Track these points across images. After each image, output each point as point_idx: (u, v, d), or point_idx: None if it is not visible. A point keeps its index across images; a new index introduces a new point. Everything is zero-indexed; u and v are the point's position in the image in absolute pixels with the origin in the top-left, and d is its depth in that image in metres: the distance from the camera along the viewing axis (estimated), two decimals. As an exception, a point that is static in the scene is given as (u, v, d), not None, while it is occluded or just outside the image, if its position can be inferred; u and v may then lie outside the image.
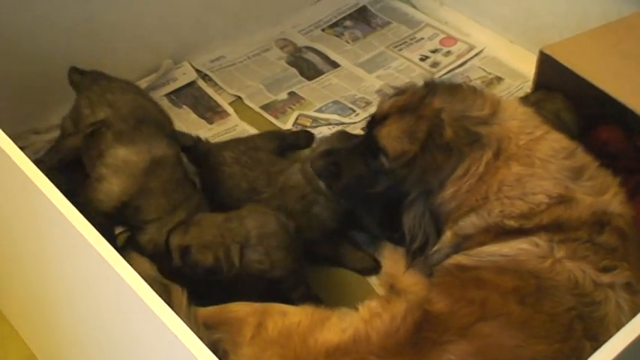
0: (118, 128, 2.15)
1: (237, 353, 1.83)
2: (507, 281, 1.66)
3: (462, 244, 1.83)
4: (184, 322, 1.80)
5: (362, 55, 3.02)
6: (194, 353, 1.28)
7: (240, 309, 1.91)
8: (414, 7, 3.23)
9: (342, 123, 2.71)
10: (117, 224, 2.20)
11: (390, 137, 1.93)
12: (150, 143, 2.14)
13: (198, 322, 1.86)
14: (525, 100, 2.57)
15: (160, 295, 1.38)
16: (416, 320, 1.67)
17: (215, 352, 1.84)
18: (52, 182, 1.52)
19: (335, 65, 2.98)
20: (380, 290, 2.19)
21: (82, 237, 1.43)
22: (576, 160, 1.83)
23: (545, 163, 1.81)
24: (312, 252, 2.21)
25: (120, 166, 2.11)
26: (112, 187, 2.10)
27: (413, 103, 1.94)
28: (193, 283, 1.92)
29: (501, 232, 1.78)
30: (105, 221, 2.11)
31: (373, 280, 2.23)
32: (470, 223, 1.82)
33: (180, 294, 1.87)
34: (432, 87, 1.97)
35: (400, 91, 2.03)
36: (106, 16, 2.66)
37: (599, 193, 1.79)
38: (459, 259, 1.82)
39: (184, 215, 2.10)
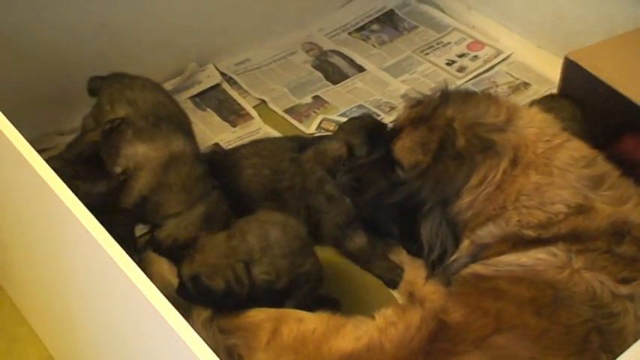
0: (138, 125, 2.16)
1: (252, 358, 1.84)
2: (524, 292, 1.64)
3: (480, 253, 1.81)
4: (200, 329, 1.84)
5: (388, 59, 3.01)
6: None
7: (257, 315, 1.91)
8: (442, 11, 3.21)
9: (366, 127, 2.70)
10: (137, 221, 2.20)
11: (404, 149, 1.95)
12: (168, 139, 2.15)
13: (215, 330, 1.87)
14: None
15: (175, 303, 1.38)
16: (431, 330, 1.65)
17: (230, 356, 1.87)
18: (68, 180, 1.53)
19: (360, 69, 2.97)
20: (399, 297, 2.17)
21: (94, 240, 1.43)
22: (596, 168, 1.81)
23: (563, 172, 1.78)
24: (342, 246, 2.24)
25: (140, 162, 2.13)
26: (132, 182, 2.12)
27: (426, 114, 1.94)
28: (215, 305, 1.95)
29: (519, 242, 1.75)
30: (126, 218, 2.14)
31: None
32: (488, 232, 1.80)
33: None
34: (445, 96, 1.96)
35: (416, 103, 2.02)
36: (130, 19, 2.66)
37: (620, 202, 1.76)
38: (476, 268, 1.80)
39: (203, 210, 2.10)
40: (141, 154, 2.13)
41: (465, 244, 1.84)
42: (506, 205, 1.79)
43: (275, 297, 1.96)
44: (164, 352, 1.42)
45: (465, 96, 1.95)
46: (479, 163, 1.80)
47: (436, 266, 1.90)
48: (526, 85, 2.85)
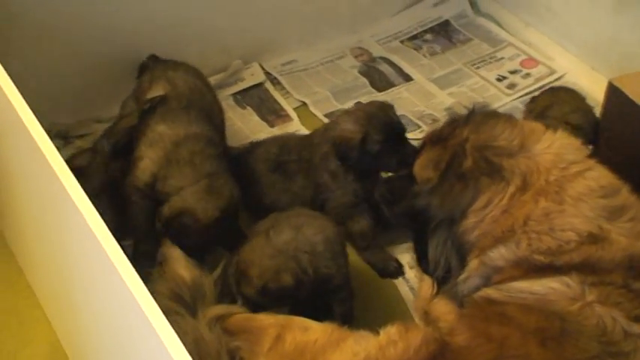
0: (169, 106, 2.17)
1: (254, 363, 1.81)
2: (531, 321, 1.59)
3: (492, 276, 1.77)
4: (204, 329, 1.83)
5: (437, 70, 2.95)
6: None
7: (264, 319, 1.89)
8: (499, 25, 3.14)
9: (405, 137, 2.65)
10: (154, 205, 2.14)
11: (420, 166, 1.97)
12: (190, 123, 2.15)
13: (219, 331, 1.85)
14: (532, 105, 2.53)
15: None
16: (430, 353, 1.61)
17: (232, 358, 1.86)
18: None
19: (408, 78, 2.92)
20: (414, 313, 2.13)
21: (95, 238, 1.44)
22: (617, 199, 1.74)
23: (576, 201, 1.73)
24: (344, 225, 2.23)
25: (155, 139, 2.13)
26: (145, 160, 2.12)
27: (445, 133, 1.93)
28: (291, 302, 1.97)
29: (532, 268, 1.70)
30: (142, 201, 2.13)
31: (410, 300, 2.19)
32: (499, 254, 1.75)
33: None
34: (469, 116, 1.94)
35: (448, 121, 2.02)
36: (179, 13, 2.67)
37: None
38: (489, 292, 1.75)
39: (207, 183, 2.05)
40: (158, 132, 2.13)
41: (474, 263, 1.79)
42: (515, 228, 1.74)
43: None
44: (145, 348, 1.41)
45: (486, 117, 1.92)
46: (484, 186, 1.78)
47: (441, 283, 1.88)
48: (577, 107, 2.77)
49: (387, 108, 2.23)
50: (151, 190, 2.10)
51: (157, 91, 2.24)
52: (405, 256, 2.26)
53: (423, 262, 1.92)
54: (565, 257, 1.68)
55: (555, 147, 1.81)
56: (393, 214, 2.12)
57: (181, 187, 2.05)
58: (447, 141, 1.90)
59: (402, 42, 3.09)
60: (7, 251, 2.22)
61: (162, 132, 2.12)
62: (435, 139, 1.95)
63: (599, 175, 1.77)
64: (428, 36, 3.12)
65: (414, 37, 3.11)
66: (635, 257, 1.66)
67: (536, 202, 1.74)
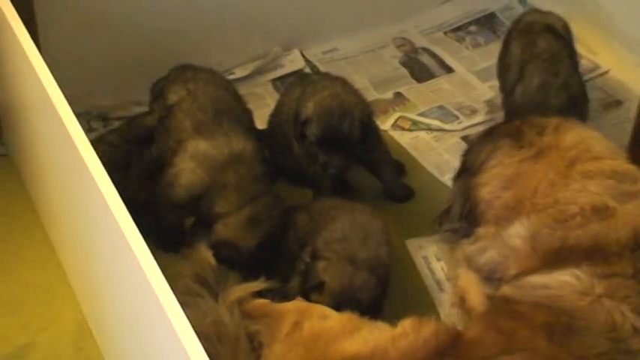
0: (197, 118, 2.17)
1: (271, 348, 1.82)
2: (540, 316, 1.59)
3: (510, 257, 1.80)
4: (225, 312, 1.85)
5: (479, 62, 2.93)
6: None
7: (285, 305, 1.90)
8: (545, 18, 3.09)
9: (443, 129, 2.64)
10: (188, 215, 2.22)
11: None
12: (229, 136, 2.13)
13: (238, 314, 1.87)
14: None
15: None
16: (440, 344, 1.61)
17: (251, 342, 1.87)
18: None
19: (449, 70, 2.90)
20: (448, 300, 2.11)
21: (112, 216, 1.49)
22: (631, 186, 1.78)
23: (583, 178, 1.79)
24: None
25: (200, 159, 2.11)
26: (188, 177, 2.11)
27: None
28: None
29: (547, 252, 1.73)
30: (176, 210, 2.16)
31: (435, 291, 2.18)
32: (515, 231, 1.80)
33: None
34: None
35: None
36: (220, -3, 2.69)
37: None
38: (506, 290, 1.76)
39: (251, 211, 2.07)
40: (202, 151, 2.11)
41: (489, 232, 1.87)
42: (524, 200, 1.82)
43: None
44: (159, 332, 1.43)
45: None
46: (501, 146, 1.93)
47: (444, 221, 2.09)
48: (618, 103, 2.73)
49: (342, 114, 2.17)
50: (190, 205, 2.13)
51: (172, 100, 2.24)
52: (431, 248, 2.25)
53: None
54: (573, 235, 1.70)
55: (585, 135, 1.90)
56: None
57: (226, 214, 2.07)
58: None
59: (445, 33, 3.07)
60: (42, 231, 2.26)
61: (206, 151, 2.11)
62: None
63: (618, 164, 1.81)
64: (472, 27, 3.09)
65: (457, 29, 3.08)
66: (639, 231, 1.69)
67: (545, 173, 1.82)
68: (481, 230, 1.90)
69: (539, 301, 1.63)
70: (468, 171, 2.02)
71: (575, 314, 1.58)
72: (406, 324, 1.70)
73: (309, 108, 2.18)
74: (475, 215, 1.93)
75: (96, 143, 2.22)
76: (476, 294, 1.96)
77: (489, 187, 1.91)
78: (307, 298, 1.93)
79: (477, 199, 1.93)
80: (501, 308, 1.68)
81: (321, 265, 1.95)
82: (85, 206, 1.74)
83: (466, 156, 2.11)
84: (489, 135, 2.05)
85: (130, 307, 1.60)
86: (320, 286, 1.91)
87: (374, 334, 1.69)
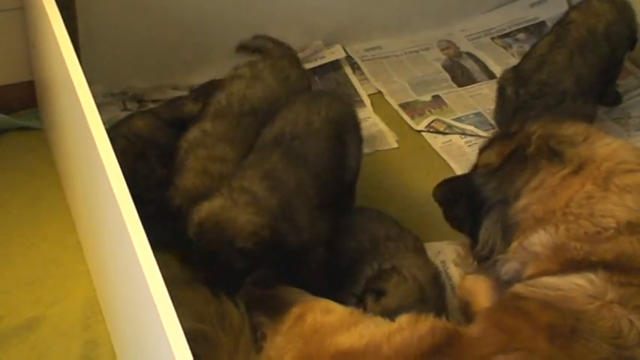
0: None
1: (273, 340, 1.82)
2: (545, 317, 1.57)
3: (529, 263, 1.77)
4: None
5: (523, 70, 2.87)
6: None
7: (291, 297, 1.89)
8: (597, 30, 3.03)
9: (477, 135, 2.60)
10: None
11: (484, 155, 2.02)
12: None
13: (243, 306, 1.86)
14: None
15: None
16: (436, 342, 1.60)
17: (255, 332, 1.87)
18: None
19: (492, 76, 2.86)
20: (454, 301, 2.10)
21: (115, 201, 1.49)
22: None
23: (621, 191, 1.75)
24: None
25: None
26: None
27: (514, 130, 1.99)
28: None
29: (568, 261, 1.70)
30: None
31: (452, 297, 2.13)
32: (537, 239, 1.78)
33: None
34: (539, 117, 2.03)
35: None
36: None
37: None
38: (517, 287, 1.73)
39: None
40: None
41: (515, 245, 1.82)
42: (556, 210, 1.78)
43: None
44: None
45: (554, 119, 1.99)
46: (541, 168, 1.85)
47: (482, 261, 1.97)
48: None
49: None
50: None
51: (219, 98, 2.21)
52: (449, 253, 2.21)
53: (474, 247, 1.98)
54: (600, 249, 1.67)
55: (615, 145, 1.86)
56: (450, 214, 2.11)
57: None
58: (515, 135, 1.96)
59: (492, 39, 3.03)
60: (65, 207, 2.28)
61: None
62: (503, 134, 2.02)
63: None
64: (521, 35, 3.05)
65: (506, 35, 3.04)
66: None
67: (582, 185, 1.78)
68: (513, 244, 1.85)
69: (547, 299, 1.61)
70: (500, 203, 1.91)
71: (582, 317, 1.56)
72: (402, 320, 1.69)
73: None
74: (510, 239, 1.88)
75: (129, 119, 2.28)
76: (483, 301, 1.94)
77: (528, 211, 1.85)
78: (361, 299, 1.90)
79: (514, 226, 1.87)
80: (508, 304, 1.67)
81: (395, 278, 1.92)
82: (95, 187, 1.75)
83: (485, 192, 1.97)
84: (514, 158, 1.92)
85: (126, 289, 1.60)
86: (379, 294, 1.88)
87: (370, 328, 1.68)
